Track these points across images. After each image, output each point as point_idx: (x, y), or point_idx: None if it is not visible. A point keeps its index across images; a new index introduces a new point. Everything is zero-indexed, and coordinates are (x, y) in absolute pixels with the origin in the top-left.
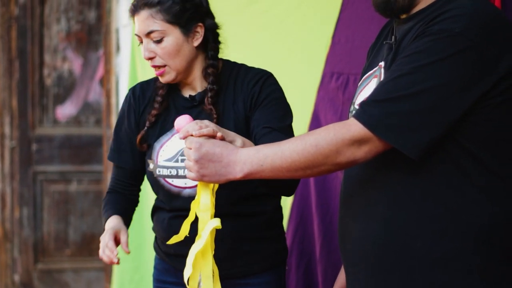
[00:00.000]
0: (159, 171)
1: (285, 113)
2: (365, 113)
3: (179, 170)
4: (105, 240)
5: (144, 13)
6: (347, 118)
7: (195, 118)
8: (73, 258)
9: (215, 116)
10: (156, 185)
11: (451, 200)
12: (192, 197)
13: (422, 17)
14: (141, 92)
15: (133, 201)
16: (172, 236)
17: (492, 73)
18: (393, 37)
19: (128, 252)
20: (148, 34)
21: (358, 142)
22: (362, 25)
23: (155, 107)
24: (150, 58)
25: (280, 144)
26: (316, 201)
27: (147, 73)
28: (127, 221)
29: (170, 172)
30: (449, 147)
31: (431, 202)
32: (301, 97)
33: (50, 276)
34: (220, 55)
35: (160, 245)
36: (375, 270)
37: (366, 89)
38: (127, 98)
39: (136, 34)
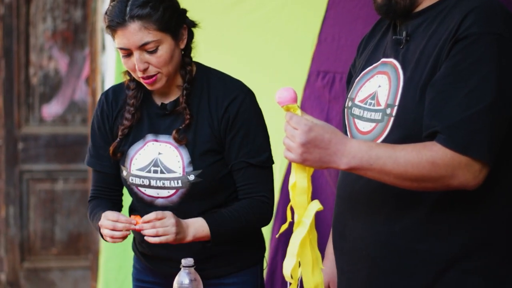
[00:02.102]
0: (132, 179)
1: (262, 142)
2: (463, 141)
3: (151, 180)
4: (112, 217)
5: (134, 26)
6: (341, 115)
7: (168, 126)
8: (60, 257)
9: (188, 117)
10: (130, 191)
11: (456, 204)
12: (165, 207)
13: (433, 13)
14: (114, 97)
15: (118, 205)
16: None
17: None
18: (403, 32)
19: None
20: (142, 46)
21: (473, 168)
22: (348, 24)
23: (128, 118)
24: (145, 69)
25: (395, 148)
26: None
27: None
28: None
29: (143, 182)
30: None
31: (436, 205)
32: None
33: (37, 275)
34: (206, 55)
35: (137, 245)
36: (376, 271)
37: (367, 85)
38: (100, 103)
39: (122, 48)
